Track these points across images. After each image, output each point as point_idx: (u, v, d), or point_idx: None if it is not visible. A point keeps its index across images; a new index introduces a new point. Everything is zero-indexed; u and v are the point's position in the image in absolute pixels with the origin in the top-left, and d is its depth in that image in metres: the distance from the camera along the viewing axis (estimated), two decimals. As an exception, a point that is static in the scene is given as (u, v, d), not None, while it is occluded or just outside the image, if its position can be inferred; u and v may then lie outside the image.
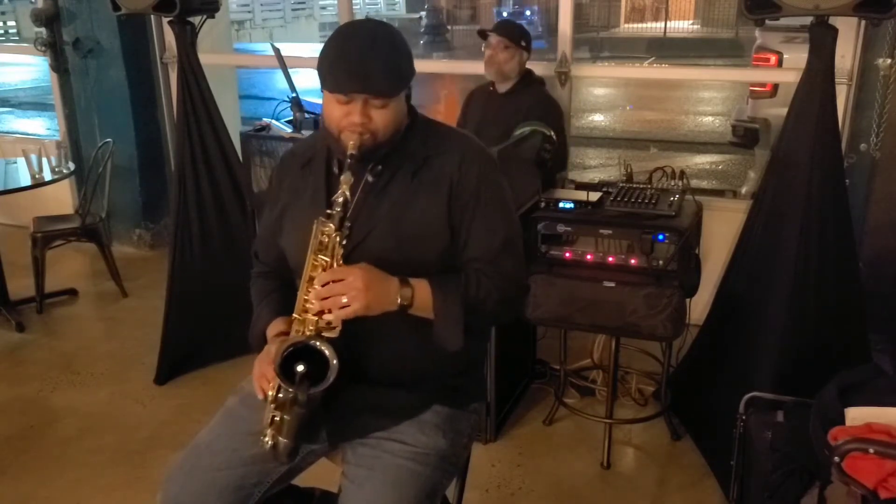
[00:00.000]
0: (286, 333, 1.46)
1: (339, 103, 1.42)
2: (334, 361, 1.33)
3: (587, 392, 2.99)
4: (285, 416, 1.38)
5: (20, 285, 3.90)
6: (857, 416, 1.67)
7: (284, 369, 1.34)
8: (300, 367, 1.34)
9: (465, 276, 1.48)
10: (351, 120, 1.41)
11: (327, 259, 1.39)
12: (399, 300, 1.40)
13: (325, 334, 1.37)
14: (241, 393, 1.64)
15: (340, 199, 1.38)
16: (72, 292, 4.08)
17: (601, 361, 2.99)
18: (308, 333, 1.38)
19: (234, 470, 1.51)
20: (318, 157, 1.56)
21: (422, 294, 1.42)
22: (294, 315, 1.42)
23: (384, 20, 1.59)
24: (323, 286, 1.36)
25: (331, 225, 1.38)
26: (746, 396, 2.09)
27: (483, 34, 3.21)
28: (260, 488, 1.53)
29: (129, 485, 2.55)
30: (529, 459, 2.65)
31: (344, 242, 1.40)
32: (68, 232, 3.92)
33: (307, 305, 1.39)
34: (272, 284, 1.67)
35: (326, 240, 1.39)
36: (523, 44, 3.15)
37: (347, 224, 1.41)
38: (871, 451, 1.48)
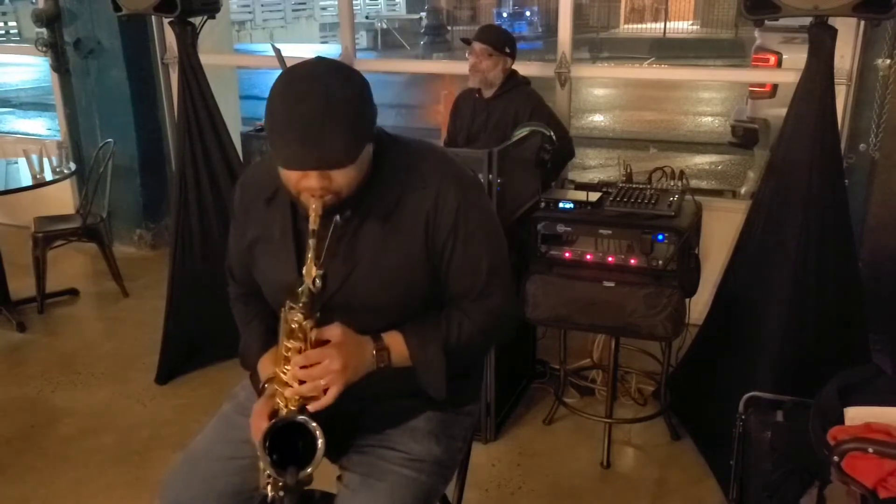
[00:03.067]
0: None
1: None
2: (320, 441, 1.29)
3: (587, 392, 3.00)
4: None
5: (21, 285, 3.90)
6: (856, 415, 1.67)
7: (273, 443, 1.31)
8: (297, 435, 1.31)
9: (445, 323, 1.42)
10: (309, 185, 1.27)
11: (300, 344, 1.32)
12: (376, 364, 1.37)
13: (309, 407, 1.32)
14: (235, 400, 1.63)
15: (305, 292, 1.28)
16: (73, 292, 4.08)
17: (601, 361, 2.99)
18: (292, 408, 1.33)
19: (232, 477, 1.51)
20: (282, 189, 1.38)
21: (398, 352, 1.39)
22: (275, 386, 1.36)
23: (337, 58, 1.26)
24: (300, 368, 1.30)
25: (299, 315, 1.29)
26: (746, 396, 2.09)
27: (466, 41, 3.21)
28: (259, 493, 1.53)
29: (130, 484, 2.56)
30: (529, 459, 2.66)
31: (313, 328, 1.32)
32: (69, 232, 3.92)
33: (285, 380, 1.33)
34: (254, 308, 1.61)
35: (296, 327, 1.31)
36: (507, 50, 3.12)
37: (317, 314, 1.32)
38: (871, 450, 1.49)
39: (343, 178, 1.29)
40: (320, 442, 1.29)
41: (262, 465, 1.33)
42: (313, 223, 1.28)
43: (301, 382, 1.31)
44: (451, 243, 1.40)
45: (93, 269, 4.43)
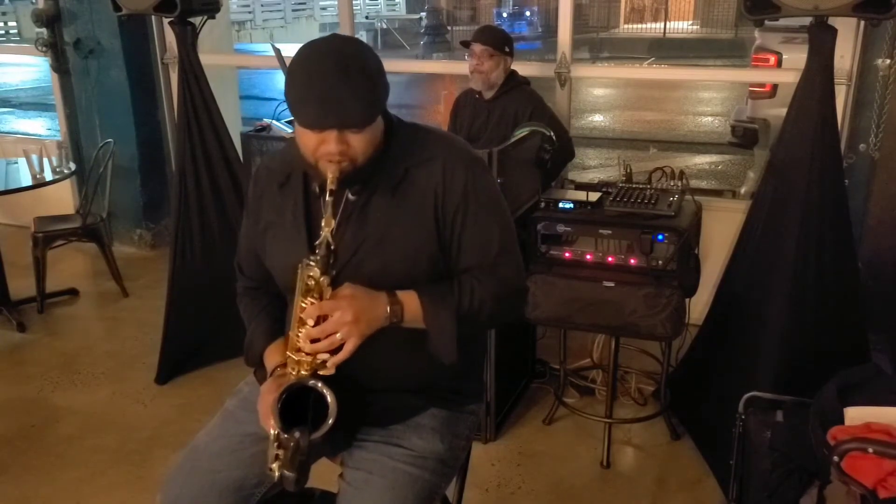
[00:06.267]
0: (285, 364, 1.43)
1: (312, 132, 1.34)
2: (333, 405, 1.31)
3: (587, 391, 3.00)
4: (290, 454, 1.35)
5: (21, 285, 3.91)
6: (856, 415, 1.67)
7: (285, 410, 1.32)
8: (309, 401, 1.33)
9: (458, 287, 1.43)
10: (327, 149, 1.33)
11: (315, 301, 1.35)
12: (389, 318, 1.37)
13: (321, 372, 1.35)
14: (239, 395, 1.65)
15: (323, 243, 1.33)
16: (73, 292, 4.08)
17: (601, 361, 3.00)
18: (304, 373, 1.35)
19: (234, 471, 1.51)
20: (295, 174, 1.49)
21: (411, 310, 1.39)
22: (287, 353, 1.39)
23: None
24: (313, 327, 1.33)
25: (316, 270, 1.33)
26: (746, 396, 2.09)
27: (466, 44, 3.21)
28: (261, 489, 1.54)
29: (130, 484, 2.56)
30: (529, 459, 2.66)
31: (331, 284, 1.35)
32: (69, 232, 3.92)
33: (299, 344, 1.36)
34: (261, 302, 1.63)
35: (313, 283, 1.34)
36: (507, 49, 3.13)
37: (333, 271, 1.36)
38: (870, 450, 1.49)
39: (359, 143, 1.34)
40: (330, 399, 1.31)
41: (271, 436, 1.35)
42: (331, 183, 1.33)
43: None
44: (462, 216, 1.44)
45: (93, 269, 4.43)
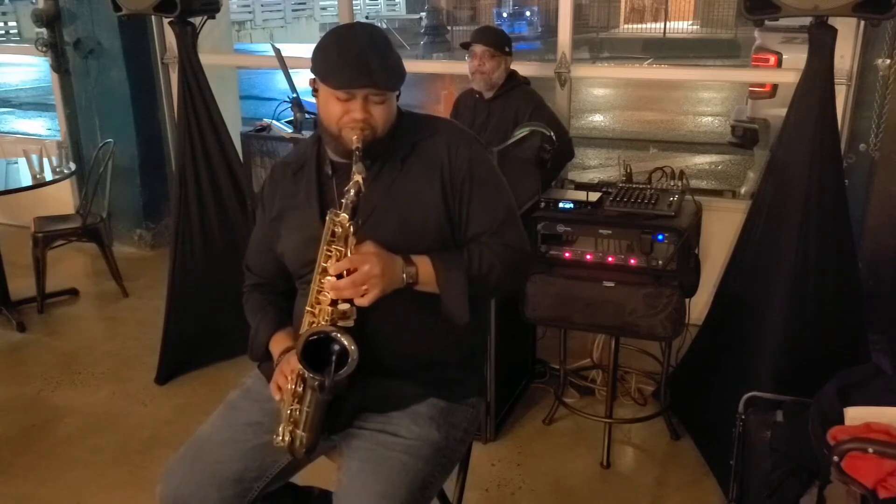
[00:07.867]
0: (291, 348, 1.48)
1: (339, 101, 1.46)
2: (353, 348, 1.38)
3: (587, 392, 3.00)
4: (306, 409, 1.40)
5: (21, 285, 3.91)
6: (856, 415, 1.67)
7: (305, 359, 1.37)
8: (327, 354, 1.38)
9: (467, 252, 1.52)
10: (352, 117, 1.46)
11: (341, 249, 1.42)
12: (405, 278, 1.44)
13: (341, 323, 1.41)
14: (242, 386, 1.68)
15: (353, 190, 1.40)
16: (73, 292, 4.08)
17: (601, 361, 3.00)
18: (324, 323, 1.41)
19: (235, 463, 1.53)
20: (309, 162, 1.61)
21: (425, 271, 1.46)
22: (307, 308, 1.45)
23: (375, 23, 1.65)
24: (339, 277, 1.39)
25: (344, 215, 1.40)
26: (746, 396, 2.10)
27: (466, 45, 3.21)
28: (259, 483, 1.55)
29: (130, 484, 2.56)
30: (529, 459, 2.66)
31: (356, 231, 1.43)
32: (69, 232, 3.92)
33: (320, 297, 1.42)
34: (267, 298, 1.70)
35: (339, 230, 1.41)
36: (507, 49, 3.14)
37: (359, 220, 1.44)
38: (871, 450, 1.49)
39: (380, 113, 1.48)
40: (347, 342, 1.37)
41: (288, 394, 1.40)
42: (357, 142, 1.44)
43: (333, 302, 1.41)
44: (469, 187, 1.54)
45: (93, 269, 4.44)
